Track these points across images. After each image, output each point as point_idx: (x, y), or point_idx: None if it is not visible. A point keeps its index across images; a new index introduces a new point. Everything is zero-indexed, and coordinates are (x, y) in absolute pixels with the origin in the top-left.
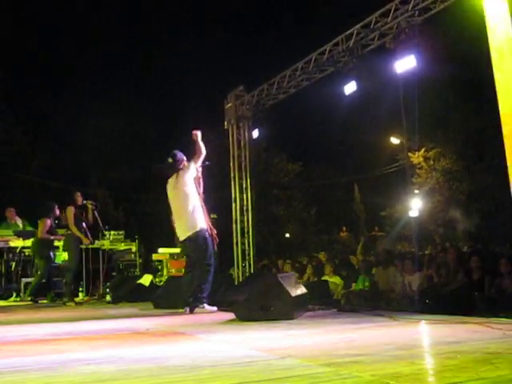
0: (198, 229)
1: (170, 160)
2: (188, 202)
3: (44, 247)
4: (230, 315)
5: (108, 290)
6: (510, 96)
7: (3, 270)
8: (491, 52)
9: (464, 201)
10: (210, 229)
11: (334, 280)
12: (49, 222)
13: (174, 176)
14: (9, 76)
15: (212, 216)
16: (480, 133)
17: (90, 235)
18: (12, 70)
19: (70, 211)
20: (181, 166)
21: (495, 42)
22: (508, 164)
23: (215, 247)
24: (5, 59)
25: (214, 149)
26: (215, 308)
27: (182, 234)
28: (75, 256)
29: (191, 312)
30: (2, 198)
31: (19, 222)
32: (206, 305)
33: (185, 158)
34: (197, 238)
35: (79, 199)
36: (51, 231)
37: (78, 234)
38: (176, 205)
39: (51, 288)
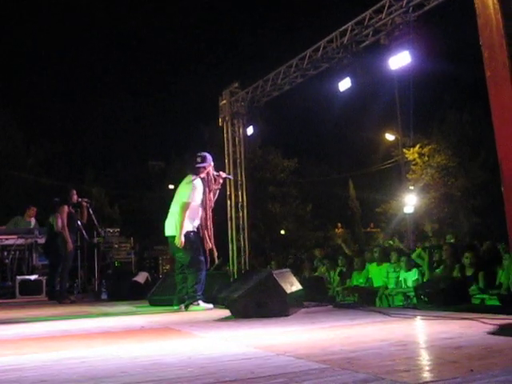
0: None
1: (199, 160)
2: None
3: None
4: (226, 312)
5: (103, 287)
6: (500, 97)
7: None
8: (482, 50)
9: (459, 197)
10: (206, 242)
11: (329, 276)
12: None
13: (190, 176)
14: (6, 74)
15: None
16: (475, 129)
17: (85, 233)
18: (9, 68)
19: (63, 211)
20: (202, 173)
21: (486, 40)
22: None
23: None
24: (3, 58)
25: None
26: (211, 305)
27: (168, 229)
28: (70, 253)
29: (186, 309)
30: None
31: (32, 222)
32: (201, 302)
33: (212, 163)
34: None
35: (74, 197)
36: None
37: (66, 237)
38: (175, 202)
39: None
